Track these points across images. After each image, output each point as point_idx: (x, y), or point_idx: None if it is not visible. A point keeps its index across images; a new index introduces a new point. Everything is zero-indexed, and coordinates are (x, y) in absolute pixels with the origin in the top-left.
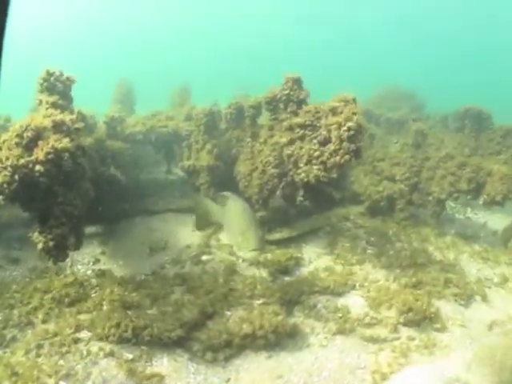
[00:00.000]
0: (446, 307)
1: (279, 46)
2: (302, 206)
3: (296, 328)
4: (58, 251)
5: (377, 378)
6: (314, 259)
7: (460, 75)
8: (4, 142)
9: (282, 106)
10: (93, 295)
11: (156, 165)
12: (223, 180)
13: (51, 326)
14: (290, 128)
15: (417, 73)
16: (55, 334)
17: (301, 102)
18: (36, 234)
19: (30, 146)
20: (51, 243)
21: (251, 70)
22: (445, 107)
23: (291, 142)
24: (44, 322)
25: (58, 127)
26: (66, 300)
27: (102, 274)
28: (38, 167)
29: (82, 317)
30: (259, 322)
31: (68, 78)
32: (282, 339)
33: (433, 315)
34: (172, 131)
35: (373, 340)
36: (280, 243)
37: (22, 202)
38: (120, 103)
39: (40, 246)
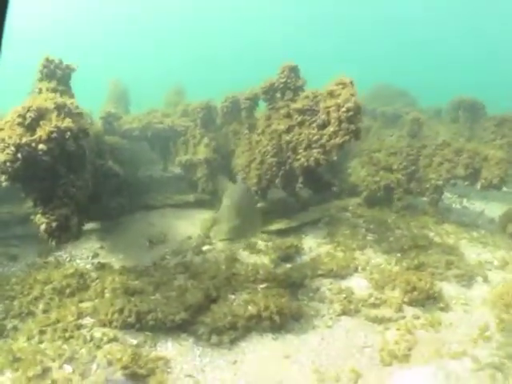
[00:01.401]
0: (448, 288)
1: (277, 46)
2: (302, 197)
3: (300, 310)
4: (61, 232)
5: (385, 356)
6: (315, 248)
7: (453, 74)
8: (6, 123)
9: (279, 94)
10: (94, 286)
11: (152, 163)
12: (221, 173)
13: (53, 315)
14: (288, 115)
15: (409, 72)
16: (57, 321)
17: (298, 90)
18: (38, 215)
19: (32, 126)
20: (54, 224)
21: (248, 70)
22: (437, 103)
23: (290, 129)
24: (45, 311)
25: (59, 109)
26: (67, 290)
27: (101, 266)
28: (41, 146)
29: (84, 305)
30: (264, 303)
31: (68, 66)
32: (286, 321)
33: (436, 295)
34: (168, 127)
35: (378, 320)
36: (279, 233)
37: (24, 182)
38: (115, 102)
39: (43, 227)
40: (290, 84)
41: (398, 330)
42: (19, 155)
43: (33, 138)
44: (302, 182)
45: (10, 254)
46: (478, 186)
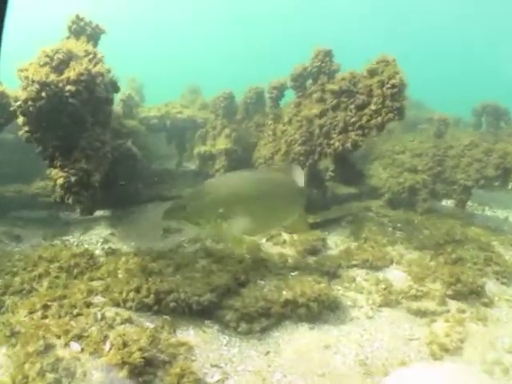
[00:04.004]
0: (488, 284)
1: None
2: (327, 192)
3: (336, 300)
4: (81, 188)
5: (435, 349)
6: (340, 244)
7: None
8: (31, 64)
9: (310, 81)
10: (105, 265)
11: (166, 157)
12: (240, 166)
13: (59, 291)
14: (321, 99)
15: (424, 82)
16: (64, 297)
17: (333, 74)
18: (55, 170)
19: (59, 68)
20: (73, 178)
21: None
22: (455, 113)
23: (323, 113)
24: (49, 289)
25: (89, 56)
26: (75, 270)
27: (112, 252)
28: (68, 87)
29: (95, 283)
30: (300, 288)
31: (98, 26)
32: (323, 311)
33: (480, 289)
34: (188, 117)
35: (421, 312)
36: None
37: (44, 128)
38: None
39: (60, 181)
40: (324, 68)
41: (446, 321)
42: (43, 94)
43: (60, 78)
44: (333, 170)
45: (13, 234)
46: (510, 186)
